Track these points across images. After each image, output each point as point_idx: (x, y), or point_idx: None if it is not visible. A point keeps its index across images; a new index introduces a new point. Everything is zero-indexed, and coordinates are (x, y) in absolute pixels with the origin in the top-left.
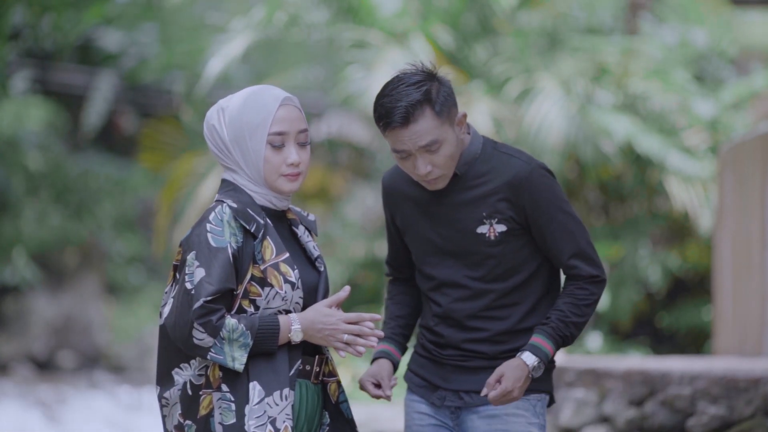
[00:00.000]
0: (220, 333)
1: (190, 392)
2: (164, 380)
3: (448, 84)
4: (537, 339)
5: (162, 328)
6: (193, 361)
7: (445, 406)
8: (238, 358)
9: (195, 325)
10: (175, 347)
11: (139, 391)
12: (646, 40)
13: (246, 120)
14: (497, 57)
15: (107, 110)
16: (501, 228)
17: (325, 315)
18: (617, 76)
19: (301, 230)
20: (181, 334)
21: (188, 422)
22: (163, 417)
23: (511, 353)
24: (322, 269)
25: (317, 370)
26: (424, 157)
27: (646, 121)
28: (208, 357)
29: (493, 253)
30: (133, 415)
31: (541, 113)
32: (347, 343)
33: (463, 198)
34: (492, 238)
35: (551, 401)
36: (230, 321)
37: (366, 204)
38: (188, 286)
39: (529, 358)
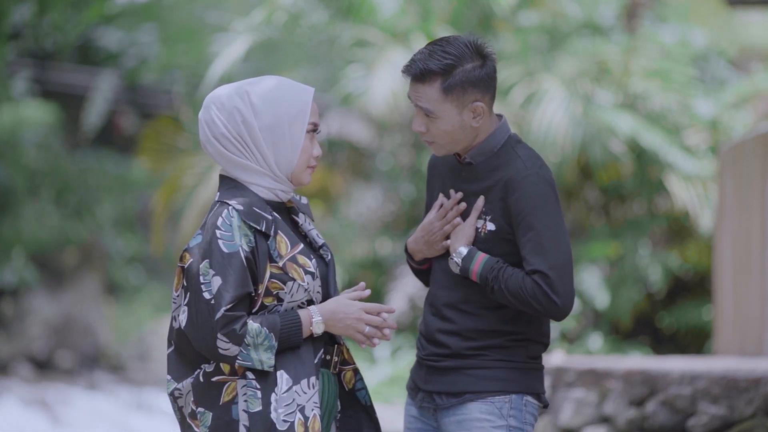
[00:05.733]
0: (245, 340)
1: (201, 379)
2: (184, 377)
3: (484, 73)
4: (483, 256)
5: (180, 331)
6: None
7: (423, 407)
8: (266, 361)
9: (219, 335)
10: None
11: (139, 391)
12: (647, 38)
13: (286, 106)
14: (501, 62)
15: (107, 110)
16: (491, 227)
17: (345, 305)
18: (617, 75)
19: (301, 218)
20: (206, 345)
21: (201, 409)
22: (180, 408)
23: (476, 351)
24: (329, 257)
25: (336, 360)
26: (420, 116)
27: (647, 120)
28: (237, 364)
29: (482, 250)
30: (133, 415)
31: (547, 115)
32: (366, 335)
33: (473, 189)
34: (482, 234)
35: (543, 403)
36: (253, 326)
37: (366, 204)
38: (207, 296)
39: (463, 250)
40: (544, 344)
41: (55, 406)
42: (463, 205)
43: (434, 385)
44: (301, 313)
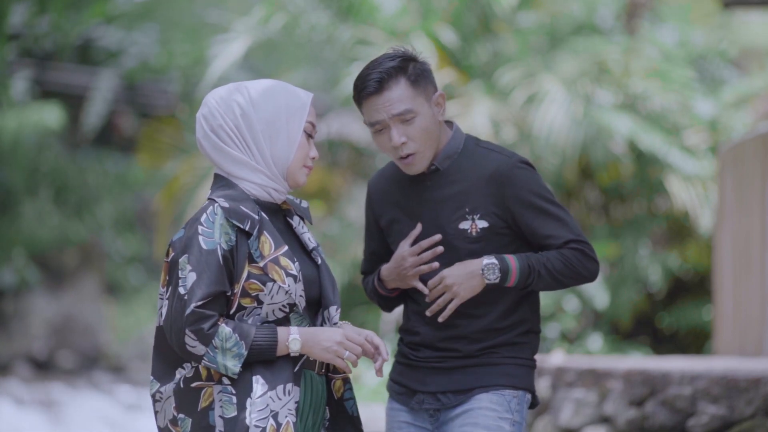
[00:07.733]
0: (213, 342)
1: (182, 385)
2: (165, 377)
3: (427, 65)
4: (509, 255)
5: (161, 328)
6: None
7: (423, 409)
8: (230, 368)
9: (187, 332)
10: None
11: (139, 391)
12: (646, 39)
13: (285, 102)
14: (503, 65)
15: (107, 110)
16: (483, 224)
17: (330, 330)
18: (617, 75)
19: (296, 221)
20: (176, 340)
21: (182, 415)
22: (155, 413)
23: (487, 351)
24: (319, 261)
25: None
26: (398, 128)
27: (647, 120)
28: (202, 363)
29: (474, 250)
30: (133, 415)
31: (548, 116)
32: (346, 360)
33: (446, 194)
34: (473, 234)
35: (534, 403)
36: (224, 330)
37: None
38: (181, 291)
39: (488, 257)
40: (539, 333)
41: (55, 406)
42: (440, 248)
43: (438, 385)
44: (280, 329)
